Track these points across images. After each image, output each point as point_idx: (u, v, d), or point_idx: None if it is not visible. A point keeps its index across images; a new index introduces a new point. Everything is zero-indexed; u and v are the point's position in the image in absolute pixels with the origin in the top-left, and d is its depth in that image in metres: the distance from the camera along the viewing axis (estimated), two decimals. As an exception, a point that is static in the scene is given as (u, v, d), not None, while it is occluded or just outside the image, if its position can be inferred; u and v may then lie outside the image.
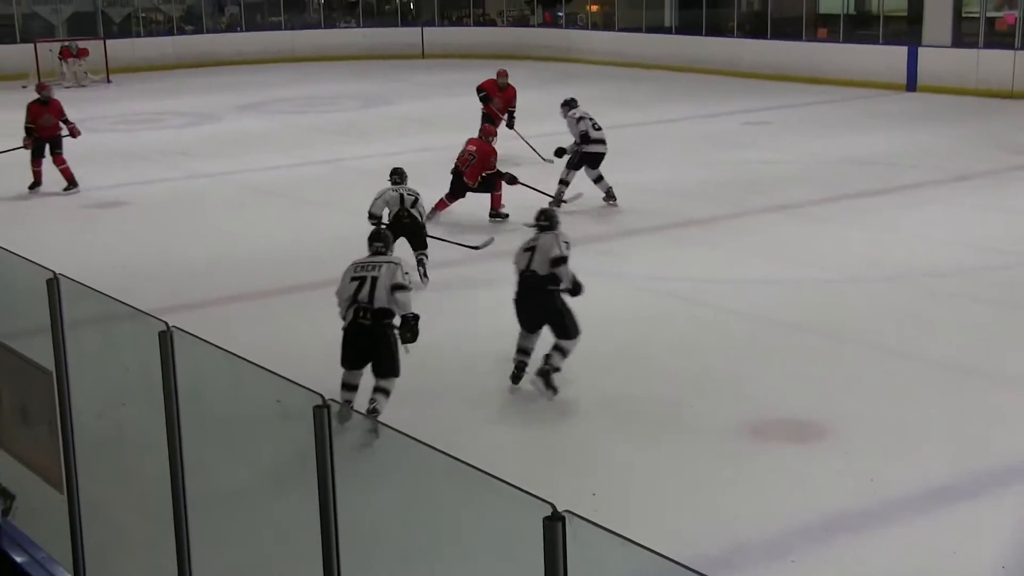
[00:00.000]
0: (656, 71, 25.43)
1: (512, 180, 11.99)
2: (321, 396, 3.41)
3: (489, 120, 14.71)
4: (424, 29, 31.23)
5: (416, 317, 6.74)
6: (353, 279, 6.85)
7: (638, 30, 27.68)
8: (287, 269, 10.61)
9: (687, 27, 26.60)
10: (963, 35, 21.81)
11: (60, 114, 14.17)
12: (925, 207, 12.34)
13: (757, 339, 8.56)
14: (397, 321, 6.79)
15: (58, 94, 24.17)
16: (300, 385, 3.50)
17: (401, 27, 31.63)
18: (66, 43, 26.36)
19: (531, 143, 15.13)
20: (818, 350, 8.30)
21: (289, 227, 12.23)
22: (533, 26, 31.13)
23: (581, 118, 12.60)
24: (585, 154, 12.51)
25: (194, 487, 4.06)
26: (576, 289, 7.45)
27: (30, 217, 13.13)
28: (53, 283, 4.61)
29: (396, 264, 6.91)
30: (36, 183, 14.14)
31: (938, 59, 21.21)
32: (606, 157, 12.60)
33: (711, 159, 15.43)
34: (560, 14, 30.64)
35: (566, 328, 7.41)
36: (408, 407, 6.90)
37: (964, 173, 14.08)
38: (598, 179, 12.61)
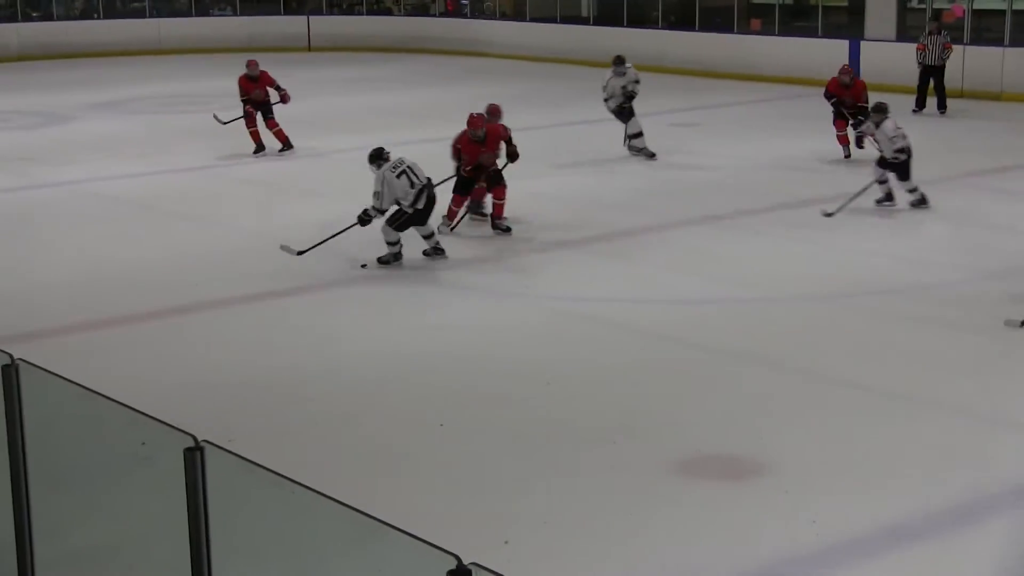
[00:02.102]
0: (572, 66, 25.67)
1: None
2: (193, 437, 3.38)
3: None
4: (310, 18, 31.11)
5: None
6: (402, 174, 10.68)
7: (552, 20, 27.93)
8: (152, 292, 10.47)
9: (607, 18, 26.93)
10: (908, 28, 22.40)
11: (270, 84, 16.45)
12: (865, 218, 12.62)
13: (686, 366, 8.67)
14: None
15: None
16: (169, 425, 3.47)
17: (284, 16, 31.45)
18: None
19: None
20: (753, 378, 8.44)
21: (153, 243, 12.09)
22: (434, 15, 31.22)
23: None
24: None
25: (44, 546, 3.98)
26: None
27: None
28: None
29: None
30: (259, 148, 16.60)
31: (882, 53, 21.75)
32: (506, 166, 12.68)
33: (633, 165, 15.62)
34: (464, 2, 30.79)
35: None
36: (284, 441, 6.85)
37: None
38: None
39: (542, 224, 12.59)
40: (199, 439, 3.39)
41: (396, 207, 10.92)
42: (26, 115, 20.70)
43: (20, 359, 3.97)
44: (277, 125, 16.56)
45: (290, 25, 30.89)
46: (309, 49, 30.51)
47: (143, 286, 10.67)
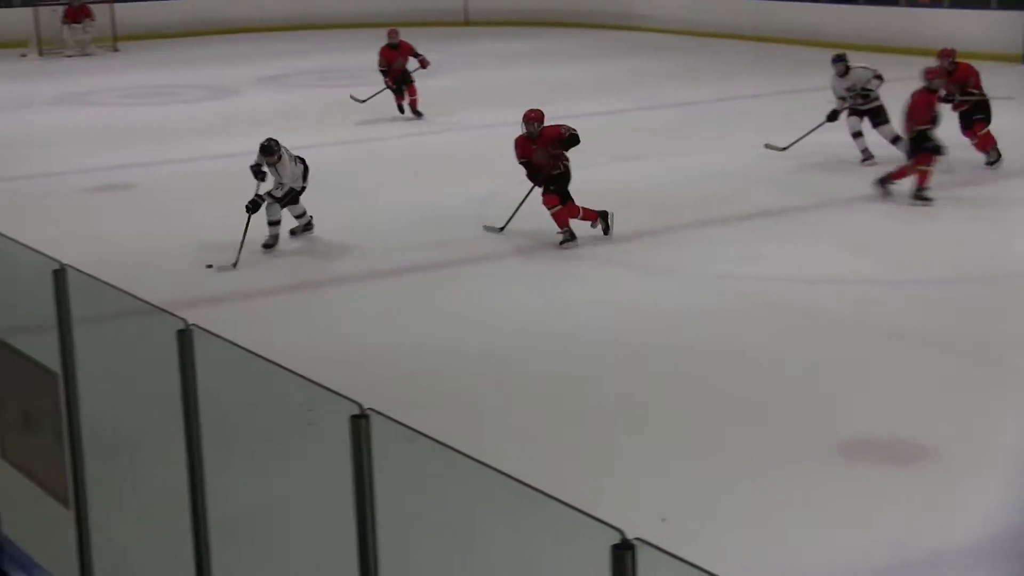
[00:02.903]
0: (732, 41, 25.30)
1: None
2: (359, 405, 3.43)
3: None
4: (468, -9, 31.21)
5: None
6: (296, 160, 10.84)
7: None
8: (318, 262, 10.70)
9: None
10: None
11: (410, 52, 17.00)
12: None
13: (847, 347, 8.51)
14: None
15: (59, 64, 24.64)
16: (335, 392, 3.53)
17: (443, -10, 31.59)
18: (74, 3, 26.57)
19: None
20: (923, 360, 8.24)
21: (327, 214, 12.30)
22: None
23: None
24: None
25: (215, 503, 4.10)
26: None
27: (25, 201, 13.32)
28: (60, 275, 4.68)
29: None
30: (402, 110, 17.27)
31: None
32: (668, 134, 12.55)
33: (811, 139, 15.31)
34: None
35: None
36: (440, 413, 6.93)
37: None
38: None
39: (702, 199, 12.46)
40: (364, 407, 3.44)
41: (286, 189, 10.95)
42: (196, 88, 21.27)
43: (194, 324, 4.08)
44: (416, 93, 17.16)
45: (447, 0, 31.02)
46: (466, 23, 30.64)
47: (309, 255, 10.90)
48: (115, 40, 26.91)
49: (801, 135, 13.93)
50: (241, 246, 10.56)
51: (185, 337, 4.05)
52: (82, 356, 4.74)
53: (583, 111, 16.15)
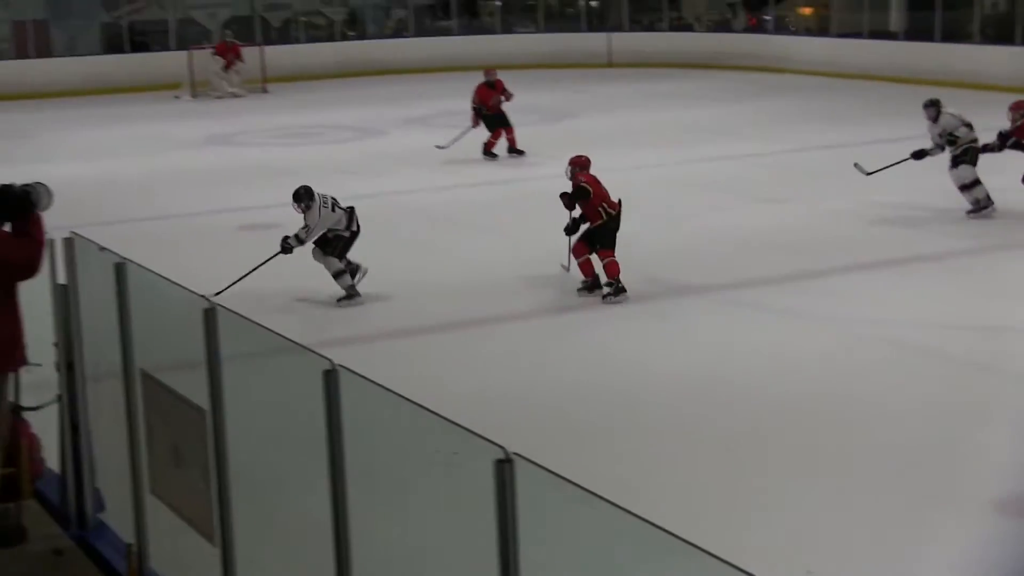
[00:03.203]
0: (880, 83, 24.90)
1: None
2: (503, 449, 3.41)
3: None
4: (612, 35, 31.35)
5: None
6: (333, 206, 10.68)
7: (858, 36, 27.18)
8: (459, 302, 10.77)
9: (917, 32, 25.98)
10: None
11: (503, 91, 17.49)
12: None
13: (1007, 400, 8.23)
14: None
15: (211, 105, 25.37)
16: (479, 436, 3.51)
17: (586, 32, 31.83)
18: (226, 39, 27.23)
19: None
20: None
21: (463, 256, 12.40)
22: (736, 31, 30.91)
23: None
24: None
25: (359, 542, 4.12)
26: None
27: (177, 238, 13.67)
28: (210, 314, 4.77)
29: None
30: (490, 153, 17.62)
31: None
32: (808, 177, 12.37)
33: (949, 184, 14.97)
34: (767, 18, 30.35)
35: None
36: (583, 456, 6.87)
37: None
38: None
39: (846, 241, 12.24)
40: (509, 451, 3.42)
41: (328, 235, 10.76)
42: (342, 129, 21.69)
43: (340, 364, 4.11)
44: (512, 132, 17.53)
45: (592, 41, 31.22)
46: (610, 65, 30.76)
47: (450, 296, 10.96)
48: (264, 81, 27.63)
49: (888, 164, 13.74)
50: (239, 279, 10.71)
51: (331, 377, 4.08)
52: (230, 393, 4.82)
53: (723, 153, 16.06)
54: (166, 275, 5.44)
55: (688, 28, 32.08)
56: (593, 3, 33.67)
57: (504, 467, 3.41)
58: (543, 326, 10.17)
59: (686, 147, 17.19)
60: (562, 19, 33.31)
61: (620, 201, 10.78)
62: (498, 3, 33.74)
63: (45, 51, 29.09)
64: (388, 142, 20.23)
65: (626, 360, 9.20)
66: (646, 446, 7.61)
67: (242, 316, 4.83)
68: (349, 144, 20.18)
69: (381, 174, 17.10)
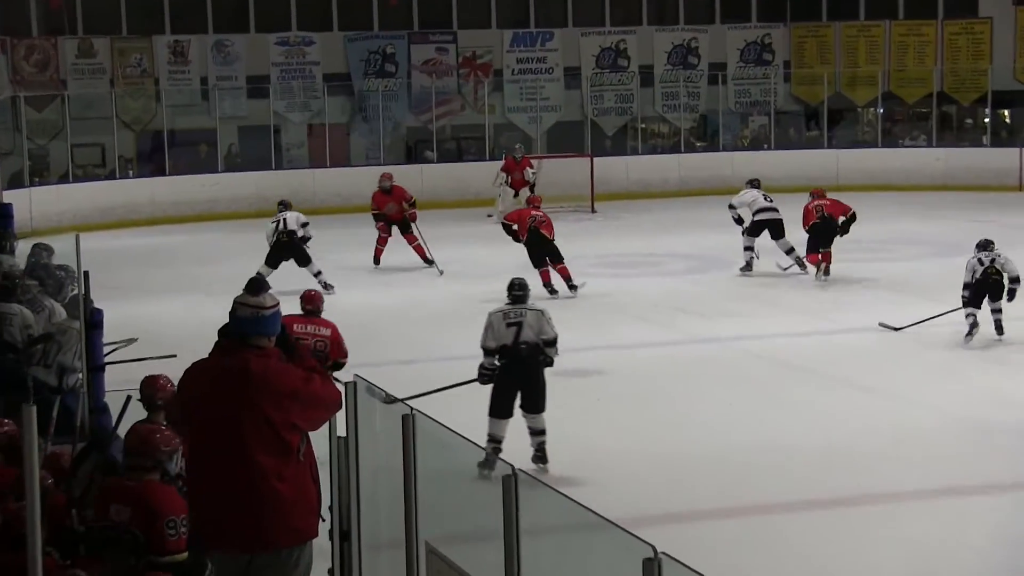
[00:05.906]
0: None
1: None
2: None
3: None
4: (1024, 151, 30.49)
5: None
6: (509, 325, 10.47)
7: None
8: (829, 472, 10.51)
9: None
10: None
11: (404, 198, 20.21)
12: None
13: None
14: None
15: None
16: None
17: (991, 148, 31.07)
18: (514, 155, 26.68)
19: None
20: None
21: (819, 415, 12.11)
22: None
23: None
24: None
25: None
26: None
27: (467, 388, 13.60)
28: (509, 481, 4.74)
29: (541, 311, 10.70)
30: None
31: None
32: None
33: None
34: None
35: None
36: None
37: None
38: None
39: None
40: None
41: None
42: (682, 258, 21.69)
43: (663, 552, 4.02)
44: (416, 240, 19.99)
45: (998, 159, 30.42)
46: (1020, 188, 29.87)
47: (817, 465, 10.65)
48: (592, 199, 28.06)
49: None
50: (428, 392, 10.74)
51: (651, 567, 3.98)
52: (528, 572, 4.78)
53: None
54: (455, 429, 5.45)
55: None
56: (1003, 113, 32.83)
57: None
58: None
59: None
60: (960, 131, 32.64)
61: None
62: (880, 111, 33.33)
63: (343, 159, 30.50)
64: (730, 274, 19.86)
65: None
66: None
67: (547, 485, 4.81)
68: (689, 276, 20.06)
69: (725, 313, 16.92)
